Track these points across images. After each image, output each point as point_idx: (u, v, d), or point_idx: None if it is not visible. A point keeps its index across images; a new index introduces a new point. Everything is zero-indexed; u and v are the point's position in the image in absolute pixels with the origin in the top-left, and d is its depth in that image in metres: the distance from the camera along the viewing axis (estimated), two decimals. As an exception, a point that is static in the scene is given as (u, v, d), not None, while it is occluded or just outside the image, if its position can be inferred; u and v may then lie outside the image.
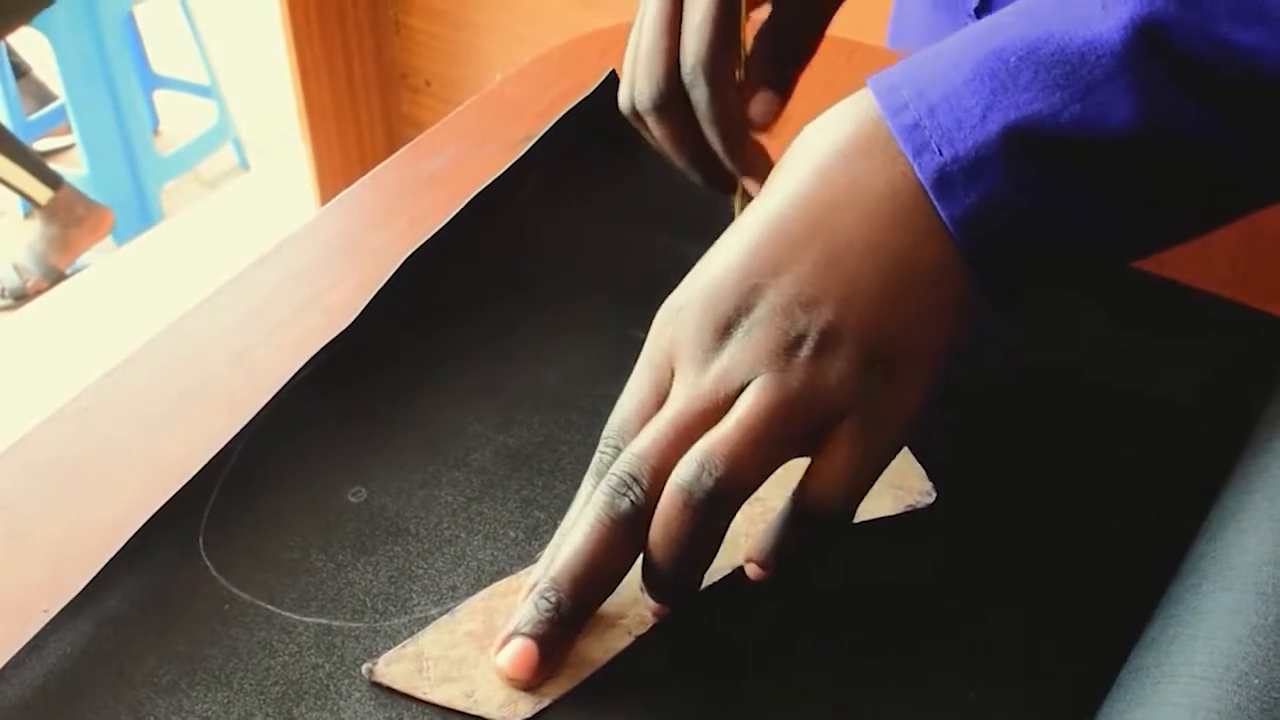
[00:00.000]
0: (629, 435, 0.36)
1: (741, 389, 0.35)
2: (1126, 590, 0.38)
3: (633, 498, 0.35)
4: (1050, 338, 0.48)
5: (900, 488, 0.41)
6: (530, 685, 0.35)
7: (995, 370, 0.47)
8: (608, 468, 0.36)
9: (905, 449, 0.43)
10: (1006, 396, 0.46)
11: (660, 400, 0.36)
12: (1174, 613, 0.34)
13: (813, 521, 0.36)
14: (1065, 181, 0.35)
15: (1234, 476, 0.40)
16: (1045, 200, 0.35)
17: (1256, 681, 0.29)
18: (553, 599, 0.35)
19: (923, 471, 0.42)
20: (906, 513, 0.41)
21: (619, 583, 0.36)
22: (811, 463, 0.36)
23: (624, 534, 0.35)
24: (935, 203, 0.35)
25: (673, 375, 0.37)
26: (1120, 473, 0.43)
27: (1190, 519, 0.40)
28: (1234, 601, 0.32)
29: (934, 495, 0.41)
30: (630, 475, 0.35)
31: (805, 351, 0.35)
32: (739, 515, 0.36)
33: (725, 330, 0.36)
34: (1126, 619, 0.37)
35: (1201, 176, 0.36)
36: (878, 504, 0.41)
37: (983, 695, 0.36)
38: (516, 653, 0.35)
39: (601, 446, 0.37)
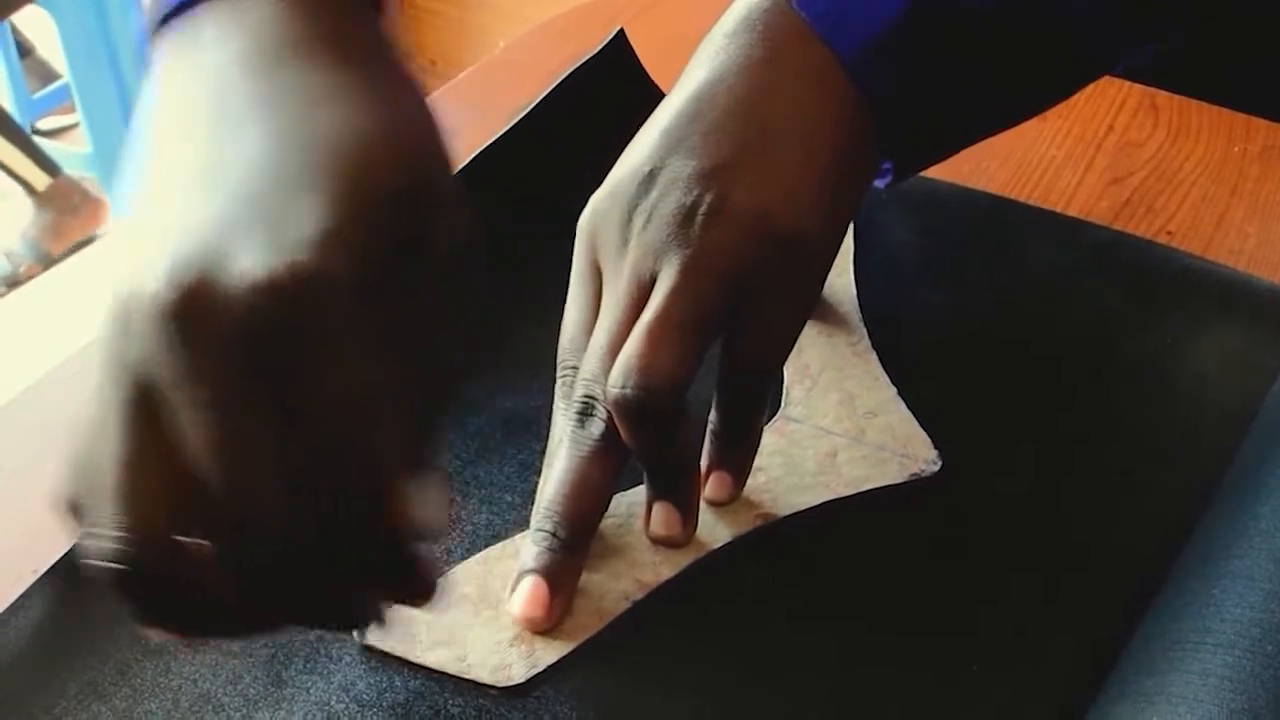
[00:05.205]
0: (580, 351, 0.37)
1: (655, 278, 0.35)
2: (1136, 560, 0.38)
3: (599, 416, 0.35)
4: (1066, 312, 0.48)
5: (905, 455, 0.41)
6: (546, 624, 0.35)
7: (1007, 342, 0.46)
8: (571, 388, 0.36)
9: (910, 416, 0.42)
10: (1018, 368, 0.45)
11: (598, 307, 0.37)
12: (1186, 580, 0.33)
13: (743, 391, 0.37)
14: (963, 57, 0.37)
15: (1246, 447, 0.40)
16: (948, 74, 0.37)
17: (1270, 648, 0.28)
18: (548, 527, 0.35)
19: (928, 439, 0.41)
20: (911, 481, 0.40)
21: (607, 501, 0.36)
22: (729, 339, 0.36)
23: (599, 451, 0.35)
24: (852, 80, 0.36)
25: (602, 279, 0.37)
26: (1132, 445, 0.42)
27: (1203, 490, 0.39)
28: (1247, 569, 0.31)
29: (939, 464, 0.40)
30: (588, 397, 0.35)
31: (699, 223, 0.35)
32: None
33: (631, 222, 0.36)
34: (1136, 588, 0.36)
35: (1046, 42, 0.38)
36: (882, 472, 0.40)
37: (985, 667, 0.35)
38: (527, 589, 0.35)
39: (560, 370, 0.38)
